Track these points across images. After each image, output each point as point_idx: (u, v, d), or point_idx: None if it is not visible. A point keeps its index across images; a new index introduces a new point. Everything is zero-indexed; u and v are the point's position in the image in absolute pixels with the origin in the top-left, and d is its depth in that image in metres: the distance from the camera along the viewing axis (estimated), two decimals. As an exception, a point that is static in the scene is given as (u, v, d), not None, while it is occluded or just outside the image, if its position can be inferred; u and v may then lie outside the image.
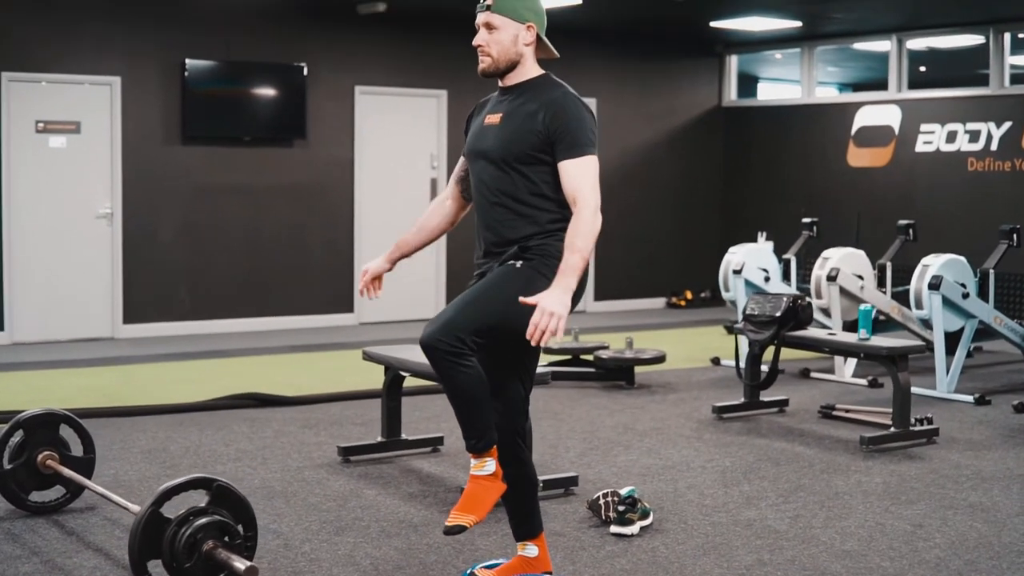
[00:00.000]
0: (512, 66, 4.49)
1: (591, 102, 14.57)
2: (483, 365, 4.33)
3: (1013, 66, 13.08)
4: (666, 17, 13.36)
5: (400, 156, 13.31)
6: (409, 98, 13.33)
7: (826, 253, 10.12)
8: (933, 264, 9.41)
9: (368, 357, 7.08)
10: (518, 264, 4.38)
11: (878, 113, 13.92)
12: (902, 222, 10.68)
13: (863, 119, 14.07)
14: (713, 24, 13.59)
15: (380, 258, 4.87)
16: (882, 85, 14.18)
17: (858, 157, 14.10)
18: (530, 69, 4.51)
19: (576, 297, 4.33)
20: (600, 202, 4.29)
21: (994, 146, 12.81)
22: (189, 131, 12.21)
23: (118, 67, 11.91)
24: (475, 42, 4.49)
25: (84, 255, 11.88)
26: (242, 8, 12.26)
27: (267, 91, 12.66)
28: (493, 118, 4.52)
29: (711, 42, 15.29)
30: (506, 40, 4.45)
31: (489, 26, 4.46)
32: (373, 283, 4.87)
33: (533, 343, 4.09)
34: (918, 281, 9.46)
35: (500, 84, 4.58)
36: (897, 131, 13.70)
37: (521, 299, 4.17)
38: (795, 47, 14.99)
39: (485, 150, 4.49)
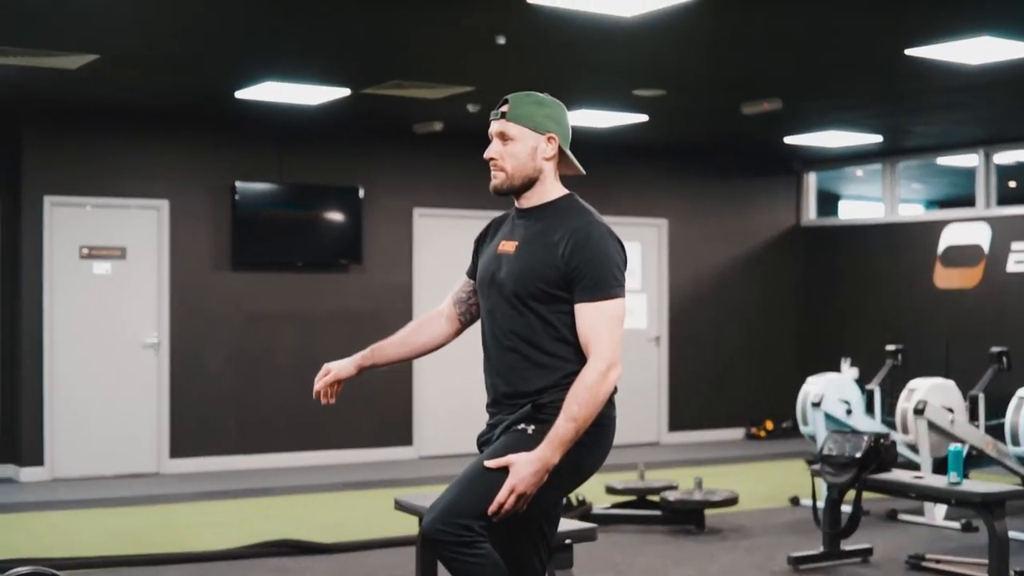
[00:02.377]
0: (529, 183, 3.91)
1: (661, 223, 13.97)
2: (496, 545, 3.69)
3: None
4: (738, 133, 12.76)
5: (460, 278, 12.61)
6: (469, 220, 12.75)
7: (912, 384, 9.35)
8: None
9: (400, 507, 6.40)
10: (530, 429, 3.74)
11: (966, 231, 13.16)
12: (995, 349, 9.88)
13: (950, 238, 13.31)
14: (788, 140, 12.96)
15: (348, 360, 4.20)
16: (969, 201, 13.45)
17: (945, 278, 13.32)
18: (551, 188, 3.93)
19: (586, 465, 3.78)
20: (618, 357, 3.70)
21: (1092, 265, 12.02)
22: (239, 256, 11.75)
23: (166, 190, 11.52)
24: (487, 154, 3.93)
25: (129, 386, 11.39)
26: (295, 129, 11.84)
27: (321, 214, 12.22)
28: (508, 245, 3.93)
29: (787, 159, 14.65)
30: (522, 153, 3.88)
31: (503, 136, 3.90)
32: (332, 387, 4.21)
33: (494, 519, 3.58)
34: (1014, 414, 8.69)
35: (517, 204, 3.99)
36: (987, 250, 12.92)
37: (487, 463, 3.66)
38: (876, 163, 14.30)
39: (497, 282, 3.90)
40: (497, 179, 3.92)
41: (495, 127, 3.92)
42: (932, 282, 13.44)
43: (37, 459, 10.98)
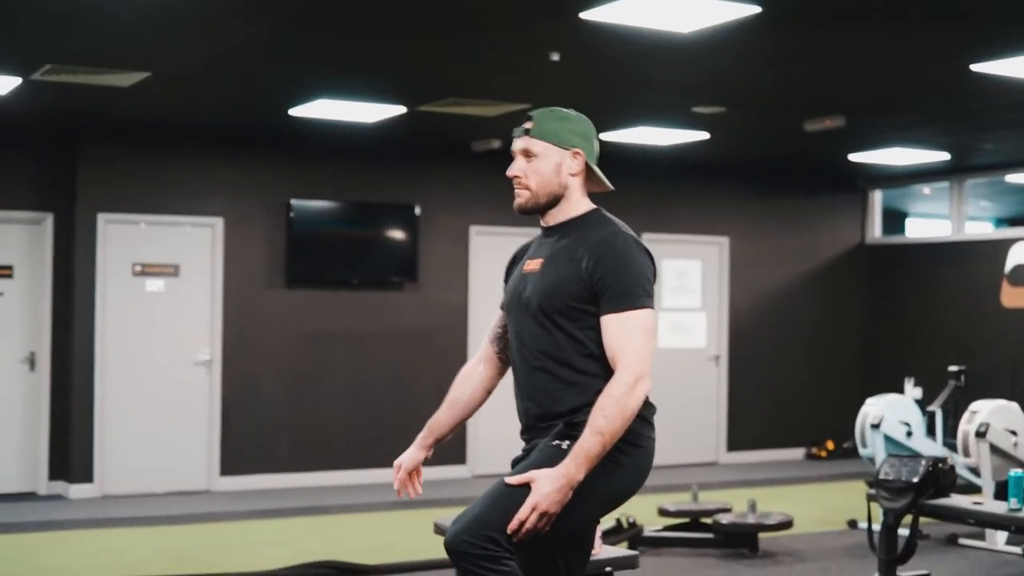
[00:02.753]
0: (554, 200, 3.78)
1: (722, 241, 13.77)
2: (523, 568, 3.52)
3: None
4: (800, 151, 12.54)
5: (517, 299, 12.50)
6: (527, 238, 12.56)
7: (974, 406, 9.08)
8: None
9: (440, 531, 6.25)
10: (564, 445, 3.57)
11: (1035, 250, 12.88)
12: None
13: (1018, 256, 13.01)
14: (852, 157, 12.72)
15: (413, 447, 4.07)
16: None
17: (1014, 297, 13.02)
18: (576, 204, 3.80)
19: (619, 487, 3.63)
20: (647, 369, 3.53)
21: None
22: (294, 274, 11.68)
23: (220, 207, 11.48)
24: (510, 172, 3.81)
25: (180, 403, 11.34)
26: (351, 147, 11.77)
27: (377, 232, 12.15)
28: (533, 264, 3.80)
29: (852, 176, 14.40)
30: (547, 170, 3.75)
31: (528, 153, 3.77)
32: (411, 478, 4.08)
33: (515, 539, 3.41)
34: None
35: (542, 223, 3.86)
36: (1056, 269, 12.64)
37: (507, 479, 3.51)
38: (943, 181, 14.01)
39: (523, 302, 3.76)
40: (521, 197, 3.79)
41: (518, 144, 3.80)
42: (999, 302, 13.15)
43: (87, 476, 10.95)
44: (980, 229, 15.99)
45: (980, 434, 8.81)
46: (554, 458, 3.51)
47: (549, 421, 3.67)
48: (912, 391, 10.39)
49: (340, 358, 11.96)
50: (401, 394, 12.11)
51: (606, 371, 3.59)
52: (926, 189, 14.98)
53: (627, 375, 3.51)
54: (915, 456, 7.29)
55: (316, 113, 10.06)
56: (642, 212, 12.89)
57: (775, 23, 7.10)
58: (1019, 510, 6.62)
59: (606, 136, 10.98)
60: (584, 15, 6.91)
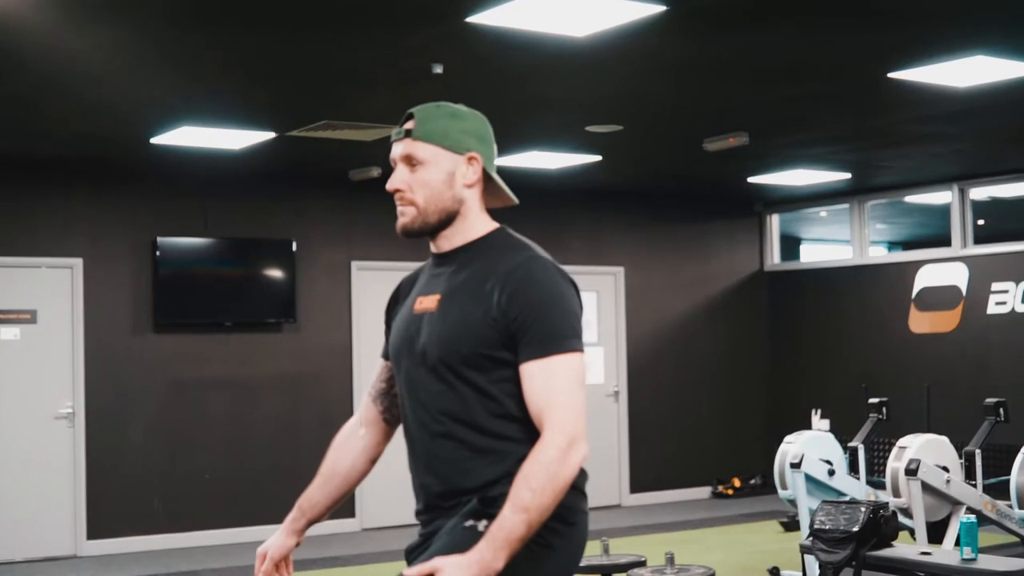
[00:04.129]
0: (448, 219, 3.01)
1: (617, 271, 13.11)
2: None
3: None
4: (698, 174, 11.93)
5: (404, 338, 11.72)
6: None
7: (903, 441, 8.48)
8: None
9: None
10: (480, 525, 2.81)
11: (941, 272, 12.37)
12: (990, 400, 9.00)
13: (925, 279, 12.52)
14: (751, 180, 12.14)
15: (279, 532, 3.25)
16: (939, 241, 12.68)
17: (921, 322, 12.51)
18: (475, 223, 3.03)
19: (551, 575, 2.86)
20: (583, 429, 2.78)
21: (1079, 305, 11.23)
22: (162, 317, 10.82)
23: (79, 247, 10.59)
24: (390, 185, 3.02)
25: (41, 461, 10.40)
26: (219, 178, 10.93)
27: (251, 270, 11.33)
28: (426, 302, 3.01)
29: (749, 200, 13.84)
30: (436, 180, 2.97)
31: (411, 160, 2.98)
32: (278, 569, 3.22)
33: None
34: (1020, 474, 7.84)
35: (433, 248, 3.09)
36: (965, 292, 12.13)
37: (407, 570, 2.73)
38: (843, 203, 13.49)
39: (417, 351, 2.96)
40: (406, 216, 3.00)
41: (398, 149, 3.01)
42: (907, 327, 12.64)
43: (-63, 547, 9.97)
44: (882, 252, 15.51)
45: (911, 472, 8.19)
46: (466, 542, 2.74)
47: (456, 499, 2.90)
48: (820, 423, 9.86)
49: (216, 407, 11.10)
50: (284, 444, 11.28)
51: (529, 433, 2.84)
52: (823, 212, 14.48)
53: (559, 437, 2.75)
54: (853, 502, 6.64)
55: (178, 141, 9.23)
56: (530, 239, 12.19)
57: (680, 25, 6.43)
58: (973, 560, 5.96)
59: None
60: (471, 19, 6.19)
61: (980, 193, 12.57)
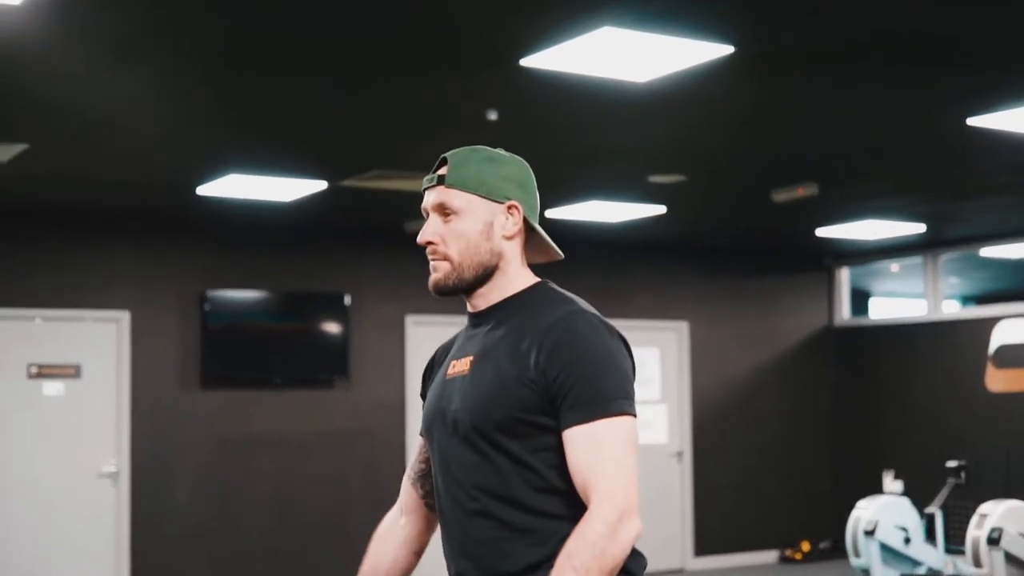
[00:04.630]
0: (485, 275, 2.67)
1: (681, 326, 12.70)
2: None
3: None
4: (765, 226, 11.50)
5: (460, 394, 11.33)
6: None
7: (984, 508, 8.03)
8: None
9: None
10: None
11: (1021, 328, 11.84)
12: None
13: (1003, 336, 11.99)
14: (820, 232, 11.70)
15: None
16: (1018, 296, 12.17)
17: (999, 380, 11.98)
18: (515, 278, 2.69)
19: None
20: (634, 503, 2.42)
21: None
22: (210, 373, 10.50)
23: (127, 300, 10.30)
24: (421, 238, 2.68)
25: (84, 520, 10.07)
26: (268, 229, 10.64)
27: (302, 325, 10.99)
28: (459, 365, 2.67)
29: (818, 253, 13.39)
30: (472, 231, 2.64)
31: (444, 209, 2.65)
32: None
33: None
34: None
35: (469, 307, 2.75)
36: (1046, 348, 11.62)
37: None
38: (916, 256, 13.00)
39: (448, 419, 2.62)
40: (438, 272, 2.66)
41: (430, 198, 2.67)
42: (983, 385, 12.10)
43: (-25, 609, 9.67)
44: (949, 307, 15.01)
45: (993, 541, 7.74)
46: None
47: None
48: (892, 485, 9.42)
49: (264, 466, 10.75)
50: (333, 504, 10.92)
51: (574, 509, 2.48)
52: (894, 266, 14.01)
53: (606, 509, 2.38)
54: (933, 574, 6.18)
55: (227, 191, 8.95)
56: (591, 296, 11.62)
57: (748, 68, 6.05)
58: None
59: (550, 213, 9.93)
60: (525, 62, 5.84)
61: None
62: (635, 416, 2.49)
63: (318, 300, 11.03)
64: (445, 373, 2.70)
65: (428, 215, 2.67)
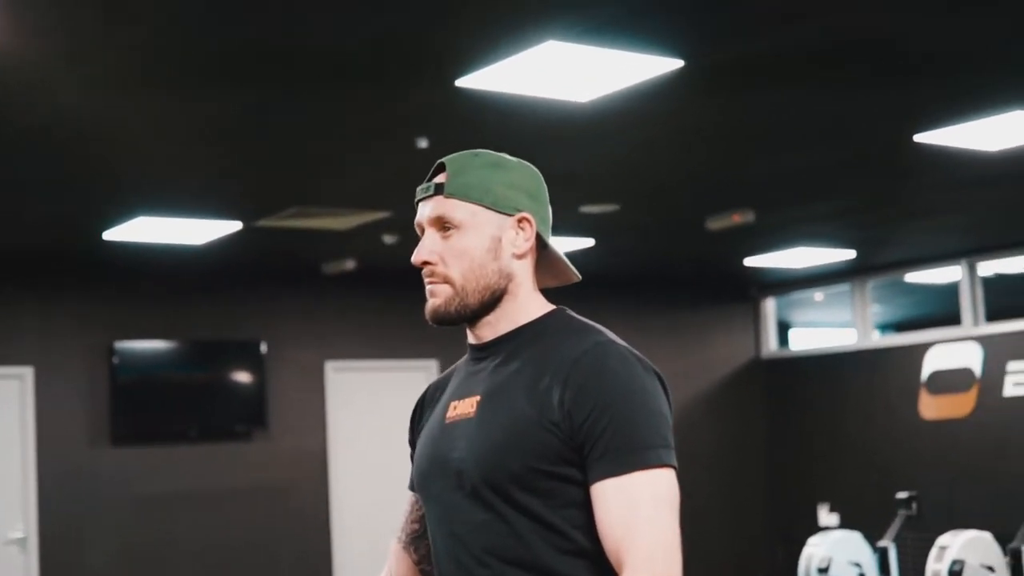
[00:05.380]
0: (492, 300, 2.26)
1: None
2: None
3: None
4: (694, 257, 11.21)
5: (385, 443, 10.77)
6: (392, 372, 11.08)
7: (942, 540, 7.76)
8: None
9: None
10: None
11: (953, 353, 11.62)
12: (1034, 491, 8.29)
13: (935, 362, 11.77)
14: (747, 262, 11.41)
15: None
16: (942, 321, 11.97)
17: (933, 407, 11.74)
18: (527, 303, 2.29)
19: None
20: (677, 569, 2.07)
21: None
22: (121, 428, 9.97)
23: (29, 354, 9.76)
24: (417, 257, 2.27)
25: (-10, 593, 9.49)
26: (180, 275, 10.14)
27: (217, 375, 10.55)
28: (462, 406, 2.25)
29: (744, 284, 13.12)
30: (478, 249, 2.24)
31: (443, 224, 2.25)
32: None
33: None
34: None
35: (471, 338, 2.32)
36: (979, 373, 11.38)
37: None
38: (843, 283, 12.76)
39: (451, 470, 2.20)
40: (438, 297, 2.25)
41: (426, 211, 2.27)
42: (918, 413, 11.86)
43: None
44: (877, 335, 14.81)
45: (955, 574, 7.44)
46: None
47: None
48: (828, 518, 9.14)
49: (183, 524, 10.22)
50: (258, 561, 10.44)
51: (603, 574, 2.08)
52: (819, 295, 13.78)
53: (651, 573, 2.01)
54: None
55: (135, 236, 8.46)
56: None
57: (696, 83, 5.70)
58: None
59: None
60: (461, 82, 5.45)
61: (985, 269, 11.88)
62: (676, 468, 2.11)
63: (232, 348, 10.57)
64: (444, 416, 2.27)
65: (423, 231, 2.27)
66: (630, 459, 2.05)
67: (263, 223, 8.30)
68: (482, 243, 2.21)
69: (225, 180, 7.36)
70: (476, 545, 2.14)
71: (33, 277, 9.81)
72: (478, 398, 2.20)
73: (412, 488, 2.39)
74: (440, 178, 2.25)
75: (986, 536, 7.84)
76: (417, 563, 2.41)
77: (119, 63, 5.13)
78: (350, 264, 9.95)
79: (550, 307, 2.28)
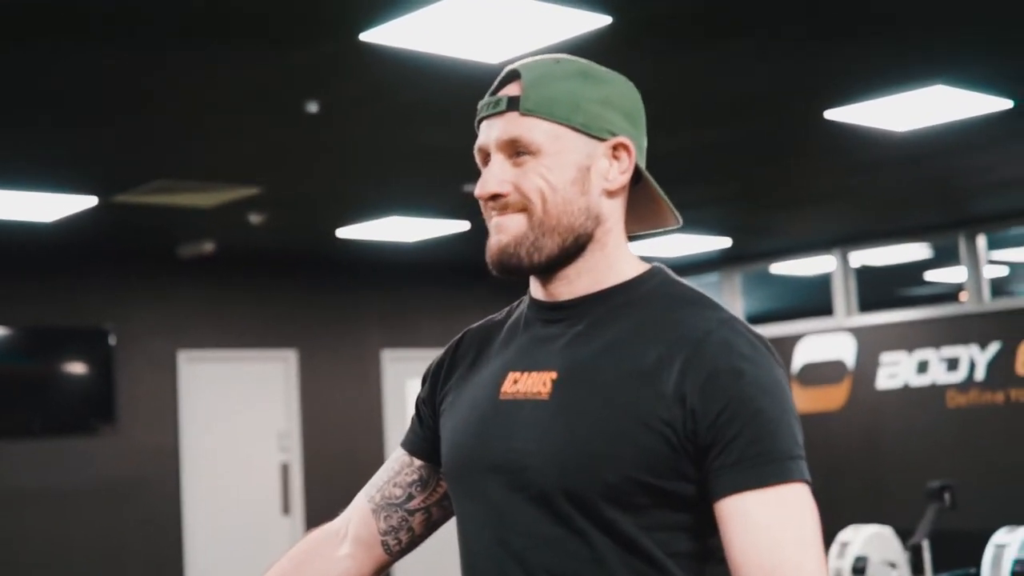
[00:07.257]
0: (576, 246, 1.74)
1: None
2: None
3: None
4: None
5: (240, 437, 10.42)
6: (249, 362, 10.53)
7: (843, 535, 7.44)
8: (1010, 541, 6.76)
9: None
10: None
11: (825, 345, 11.43)
12: (934, 484, 7.99)
13: (806, 353, 11.57)
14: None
15: None
16: (809, 312, 11.80)
17: (806, 400, 11.53)
18: (617, 256, 1.76)
19: None
20: None
21: (980, 375, 10.37)
22: (-45, 423, 9.24)
23: None
24: (482, 189, 1.74)
25: None
26: (22, 256, 9.46)
27: (60, 365, 9.94)
28: (531, 381, 1.73)
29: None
30: (562, 180, 1.71)
31: (516, 147, 1.72)
32: None
33: None
34: (993, 569, 6.82)
35: (540, 293, 1.80)
36: (852, 365, 11.20)
37: None
38: (712, 273, 12.48)
39: (513, 467, 1.70)
40: (506, 234, 1.72)
41: (495, 131, 1.73)
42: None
43: None
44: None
45: (859, 571, 7.17)
46: None
47: None
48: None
49: (26, 524, 9.55)
50: (106, 562, 9.82)
51: None
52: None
53: None
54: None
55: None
56: (380, 326, 11.07)
57: (620, 45, 5.27)
58: None
59: (345, 232, 9.04)
60: (365, 36, 4.92)
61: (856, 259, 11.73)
62: (809, 483, 1.64)
63: (78, 336, 9.96)
64: (496, 388, 1.76)
65: (488, 157, 1.75)
66: (773, 470, 1.60)
67: (121, 198, 7.64)
68: (567, 173, 1.71)
69: (83, 151, 6.71)
70: (538, 565, 1.66)
71: None
72: (553, 375, 1.70)
73: (407, 447, 1.92)
74: (513, 89, 1.73)
75: (887, 530, 7.54)
76: (382, 534, 1.91)
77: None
78: (208, 247, 9.35)
79: (645, 265, 1.78)
